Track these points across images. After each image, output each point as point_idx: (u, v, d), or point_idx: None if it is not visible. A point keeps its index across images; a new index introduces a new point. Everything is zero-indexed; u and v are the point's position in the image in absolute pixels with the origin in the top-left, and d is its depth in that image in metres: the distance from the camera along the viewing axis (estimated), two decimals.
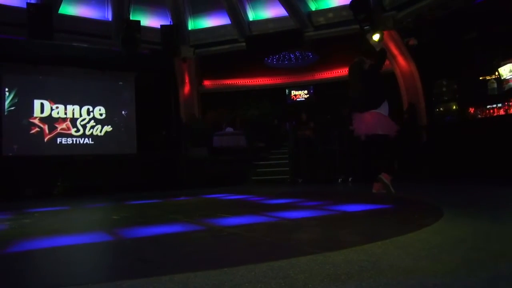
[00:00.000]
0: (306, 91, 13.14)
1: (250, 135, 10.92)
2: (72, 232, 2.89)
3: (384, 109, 4.55)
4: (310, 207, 3.63)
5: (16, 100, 11.08)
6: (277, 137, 11.14)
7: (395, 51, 10.52)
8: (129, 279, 1.39)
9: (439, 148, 8.60)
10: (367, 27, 9.65)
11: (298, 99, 13.22)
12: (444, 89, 10.04)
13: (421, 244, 1.84)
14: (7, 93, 10.99)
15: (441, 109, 10.06)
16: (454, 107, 9.73)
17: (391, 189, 4.03)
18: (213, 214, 3.41)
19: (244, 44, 11.58)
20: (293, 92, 13.25)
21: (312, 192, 6.07)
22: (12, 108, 11.04)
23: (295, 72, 13.05)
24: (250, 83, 13.46)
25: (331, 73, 12.59)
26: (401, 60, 10.53)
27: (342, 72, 12.48)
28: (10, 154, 10.65)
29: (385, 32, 9.96)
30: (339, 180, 7.96)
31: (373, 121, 4.48)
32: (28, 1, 9.61)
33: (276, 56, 12.53)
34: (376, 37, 9.61)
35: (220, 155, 10.53)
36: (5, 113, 10.90)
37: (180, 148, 11.08)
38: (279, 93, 13.29)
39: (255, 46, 11.30)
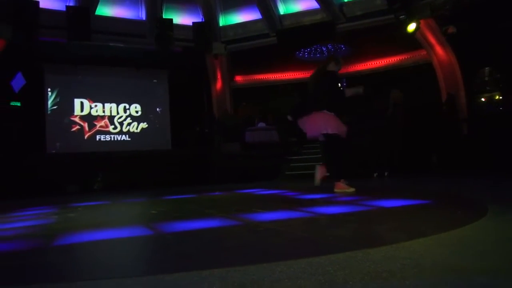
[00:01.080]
0: (339, 85, 12.90)
1: (283, 130, 10.87)
2: (114, 226, 3.00)
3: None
4: (345, 202, 3.58)
5: (58, 100, 11.62)
6: None
7: (432, 40, 10.13)
8: (170, 273, 1.43)
9: (481, 141, 8.21)
10: (403, 16, 9.33)
11: None
12: (486, 78, 9.56)
13: (466, 242, 1.77)
14: (49, 93, 11.54)
15: (482, 99, 9.60)
16: (497, 97, 9.26)
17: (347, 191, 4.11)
18: (248, 209, 3.43)
19: (275, 38, 11.54)
20: None
21: None
22: (55, 107, 11.58)
23: None
24: (282, 78, 13.39)
25: (364, 65, 12.31)
26: (439, 50, 10.12)
27: (376, 63, 12.18)
28: (54, 151, 11.20)
29: (422, 21, 9.60)
30: (374, 174, 7.78)
31: (321, 121, 4.49)
32: (67, 4, 9.99)
33: (307, 50, 12.38)
34: (412, 26, 9.30)
35: (252, 150, 10.57)
36: (48, 112, 11.46)
37: (213, 144, 11.22)
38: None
39: (286, 40, 11.22)
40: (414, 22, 9.26)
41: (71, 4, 10.44)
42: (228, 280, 1.30)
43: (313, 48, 12.43)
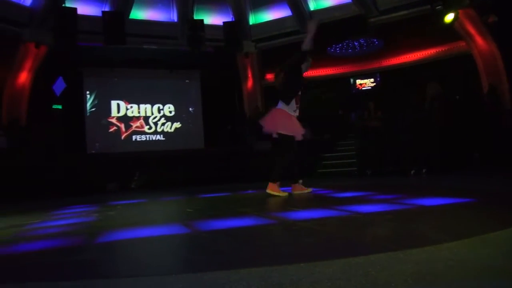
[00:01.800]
0: (372, 79, 12.63)
1: (315, 127, 10.75)
2: (152, 224, 3.08)
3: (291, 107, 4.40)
4: (382, 200, 3.49)
5: (96, 102, 12.07)
6: (343, 128, 10.85)
7: (472, 30, 9.69)
8: (208, 271, 1.44)
9: None
10: (439, 6, 8.97)
11: (363, 88, 12.75)
12: None
13: None
14: (88, 96, 12.00)
15: None
16: None
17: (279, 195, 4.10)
18: (282, 207, 3.41)
19: (305, 34, 11.39)
20: (358, 81, 12.81)
21: (382, 185, 5.82)
22: (93, 109, 12.04)
23: (360, 60, 12.58)
24: (313, 74, 13.23)
25: (399, 59, 11.96)
26: (479, 40, 9.66)
27: (411, 57, 11.80)
28: (93, 151, 11.66)
29: (460, 11, 9.19)
30: (412, 172, 7.53)
31: (277, 119, 4.43)
32: (103, 10, 10.34)
33: (339, 45, 12.17)
34: (449, 17, 8.92)
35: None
36: (88, 114, 11.93)
37: (245, 142, 11.27)
38: (343, 83, 12.94)
39: (317, 36, 11.04)
40: (452, 12, 8.88)
41: (107, 9, 10.80)
42: (267, 280, 1.30)
43: (344, 43, 12.21)
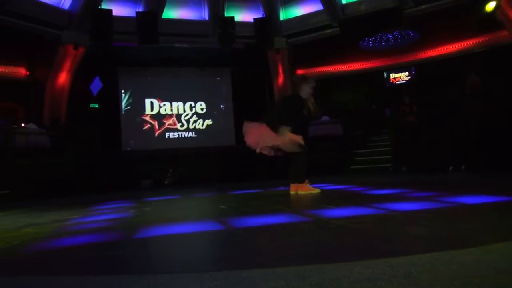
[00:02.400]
0: (407, 73, 12.24)
1: (347, 123, 10.57)
2: (186, 220, 3.13)
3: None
4: (420, 198, 3.37)
5: (130, 100, 12.41)
6: (376, 123, 10.59)
7: None
8: (245, 269, 1.44)
9: None
10: None
11: (398, 82, 12.39)
12: None
13: None
14: (123, 94, 12.36)
15: None
16: None
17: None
18: (315, 204, 3.37)
19: (337, 29, 11.22)
20: (392, 75, 12.46)
21: (419, 182, 5.64)
22: (128, 107, 12.39)
23: (394, 54, 12.22)
24: (345, 69, 13.03)
25: (436, 51, 11.52)
26: None
27: (449, 48, 11.35)
28: (128, 148, 12.00)
29: None
30: (450, 168, 7.25)
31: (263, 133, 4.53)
32: (137, 10, 10.59)
33: (372, 38, 11.86)
34: (491, 5, 8.48)
35: (315, 144, 10.40)
36: (123, 112, 12.29)
37: None
38: (376, 77, 12.63)
39: (349, 29, 10.85)
40: (493, 0, 8.43)
41: (140, 9, 11.05)
42: (305, 279, 1.27)
43: (378, 36, 11.89)
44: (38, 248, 2.28)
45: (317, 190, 4.41)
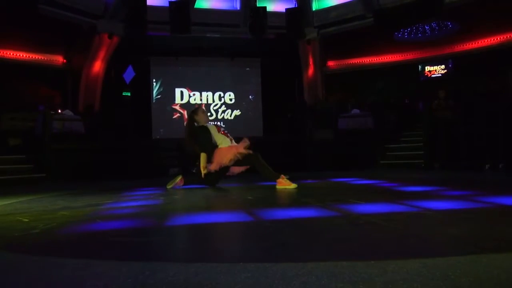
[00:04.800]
0: (443, 66, 11.78)
1: (379, 116, 10.32)
2: (215, 210, 3.16)
3: None
4: (455, 197, 3.25)
5: (161, 89, 12.62)
6: (409, 117, 10.29)
7: None
8: (275, 262, 1.43)
9: None
10: None
11: (433, 75, 11.96)
12: None
13: None
14: (154, 83, 12.58)
15: None
16: None
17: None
18: (345, 199, 3.32)
19: (371, 19, 10.90)
20: (427, 68, 12.03)
21: (454, 180, 5.44)
22: (159, 96, 12.61)
23: (430, 46, 11.77)
24: (378, 61, 12.69)
25: (475, 43, 11.00)
26: None
27: (490, 41, 10.82)
28: (158, 137, 12.25)
29: None
30: (486, 166, 6.95)
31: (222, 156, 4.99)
32: (170, 0, 10.68)
33: (407, 29, 11.45)
34: None
35: (346, 137, 10.24)
36: (154, 101, 12.53)
37: (305, 131, 11.14)
38: (410, 70, 12.25)
39: (384, 20, 10.50)
40: None
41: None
42: (337, 276, 1.25)
43: (414, 28, 11.46)
44: (73, 231, 2.37)
45: (293, 185, 4.52)
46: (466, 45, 11.25)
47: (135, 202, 3.89)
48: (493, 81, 8.65)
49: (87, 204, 3.71)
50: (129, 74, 10.99)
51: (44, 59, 11.15)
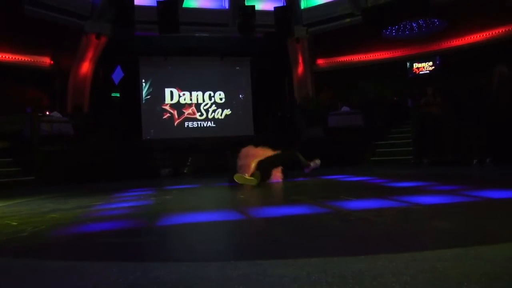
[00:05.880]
0: (431, 63, 11.90)
1: (368, 114, 10.39)
2: (207, 209, 3.16)
3: None
4: (443, 191, 3.29)
5: (151, 90, 12.54)
6: (398, 114, 10.37)
7: None
8: (267, 259, 1.44)
9: None
10: None
11: (421, 72, 12.07)
12: None
13: None
14: (143, 84, 12.50)
15: None
16: None
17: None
18: (336, 196, 3.34)
19: (360, 17, 10.97)
20: (415, 65, 12.14)
21: (442, 175, 5.51)
22: (148, 96, 12.53)
23: (418, 43, 11.87)
24: (366, 58, 12.77)
25: (462, 40, 11.13)
26: None
27: (476, 37, 10.97)
28: (148, 137, 12.17)
29: None
30: (474, 161, 7.05)
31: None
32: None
33: (395, 27, 11.54)
34: None
35: (336, 135, 10.29)
36: (143, 102, 12.44)
37: (295, 129, 11.18)
38: (398, 67, 12.33)
39: (372, 18, 10.58)
40: None
41: None
42: (327, 271, 1.26)
43: (401, 25, 11.56)
44: (63, 233, 2.35)
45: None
46: (453, 42, 11.39)
47: (125, 203, 3.86)
48: (480, 77, 8.77)
49: (76, 206, 3.67)
50: (117, 75, 10.90)
51: (31, 60, 10.99)
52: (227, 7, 11.96)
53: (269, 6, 11.86)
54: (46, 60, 11.30)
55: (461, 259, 1.35)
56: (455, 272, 1.22)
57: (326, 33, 12.11)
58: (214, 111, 13.02)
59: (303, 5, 12.23)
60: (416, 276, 1.20)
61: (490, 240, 1.57)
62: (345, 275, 1.22)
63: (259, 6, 11.65)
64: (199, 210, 3.04)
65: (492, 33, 10.66)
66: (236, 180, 4.66)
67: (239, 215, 2.59)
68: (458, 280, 1.15)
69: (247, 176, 4.72)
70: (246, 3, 11.57)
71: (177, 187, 5.32)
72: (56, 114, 9.74)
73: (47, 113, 9.67)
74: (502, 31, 10.47)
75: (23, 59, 10.82)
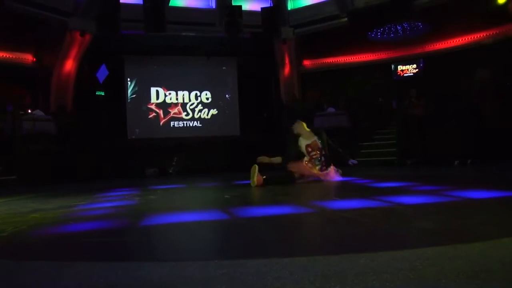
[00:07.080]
0: (414, 65, 12.09)
1: (353, 115, 10.51)
2: (192, 209, 3.14)
3: None
4: (425, 191, 3.36)
5: (136, 89, 12.41)
6: (383, 116, 10.52)
7: None
8: (250, 259, 1.44)
9: None
10: None
11: (405, 75, 12.26)
12: None
13: None
14: (129, 83, 12.36)
15: None
16: None
17: None
18: (321, 196, 3.37)
19: (346, 19, 11.07)
20: (400, 67, 12.31)
21: (425, 175, 5.61)
22: (134, 96, 12.40)
23: (402, 46, 12.06)
24: (352, 60, 12.89)
25: (445, 43, 11.35)
26: None
27: (459, 41, 11.19)
28: (133, 137, 12.04)
29: None
30: (456, 162, 7.20)
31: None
32: None
33: (381, 29, 11.70)
34: None
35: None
36: (129, 101, 12.30)
37: (281, 129, 11.21)
38: (383, 69, 12.50)
39: (358, 20, 10.69)
40: None
41: None
42: (309, 270, 1.28)
43: (386, 28, 11.72)
44: (44, 233, 2.31)
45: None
46: (436, 45, 11.60)
47: (109, 203, 3.82)
48: (462, 80, 8.97)
49: (59, 206, 3.62)
50: (102, 73, 10.75)
51: (12, 57, 10.74)
52: (214, 7, 11.92)
53: (256, 7, 11.88)
54: (29, 57, 11.07)
55: (440, 257, 1.38)
56: (433, 270, 1.25)
57: (313, 34, 12.19)
58: (200, 110, 12.96)
59: (290, 6, 12.29)
60: (396, 273, 1.22)
61: (468, 239, 1.61)
62: (328, 274, 1.24)
63: (246, 6, 11.65)
64: (184, 210, 3.03)
65: (474, 37, 10.90)
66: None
67: (224, 215, 2.59)
68: (437, 278, 1.18)
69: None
70: (233, 3, 11.56)
71: (163, 187, 5.29)
72: (38, 112, 9.56)
73: (29, 111, 9.48)
74: (484, 35, 10.72)
75: (4, 55, 10.56)
